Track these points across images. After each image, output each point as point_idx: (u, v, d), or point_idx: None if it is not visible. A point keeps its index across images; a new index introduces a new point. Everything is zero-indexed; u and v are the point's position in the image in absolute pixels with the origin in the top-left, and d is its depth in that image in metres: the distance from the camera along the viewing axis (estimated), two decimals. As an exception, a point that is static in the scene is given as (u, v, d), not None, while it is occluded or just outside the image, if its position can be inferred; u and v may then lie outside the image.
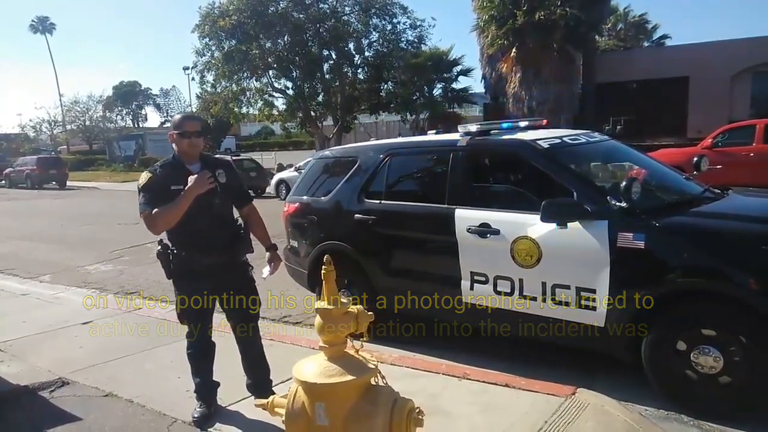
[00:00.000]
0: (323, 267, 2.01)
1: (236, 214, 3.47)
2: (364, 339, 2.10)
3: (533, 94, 18.58)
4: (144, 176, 3.14)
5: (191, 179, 2.97)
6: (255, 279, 3.40)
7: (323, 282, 2.01)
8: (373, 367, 2.00)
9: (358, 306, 2.08)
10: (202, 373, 3.39)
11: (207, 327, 3.36)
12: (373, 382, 2.01)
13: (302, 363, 2.04)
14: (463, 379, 3.72)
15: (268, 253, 3.44)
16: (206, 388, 3.39)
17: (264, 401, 2.12)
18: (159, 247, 3.22)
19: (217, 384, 3.45)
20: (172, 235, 3.21)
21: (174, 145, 3.20)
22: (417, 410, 1.95)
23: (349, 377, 1.90)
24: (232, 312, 3.36)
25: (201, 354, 3.37)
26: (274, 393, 3.17)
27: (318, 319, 2.02)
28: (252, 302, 3.38)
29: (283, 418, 2.02)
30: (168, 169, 3.18)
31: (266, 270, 3.40)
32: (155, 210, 3.01)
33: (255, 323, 3.43)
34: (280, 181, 19.30)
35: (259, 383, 3.45)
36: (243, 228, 3.40)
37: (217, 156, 3.72)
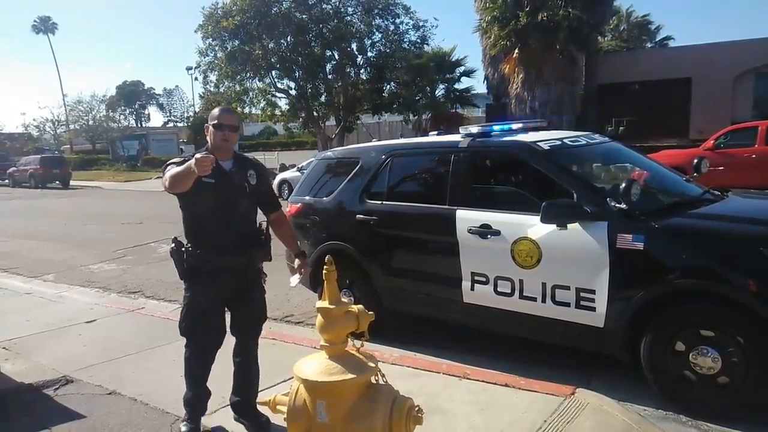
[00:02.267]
0: (324, 267, 2.04)
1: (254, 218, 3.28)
2: (365, 338, 2.13)
3: (535, 94, 18.60)
4: (176, 158, 3.02)
5: (197, 155, 2.68)
6: (266, 290, 3.28)
7: (324, 282, 2.04)
8: (373, 365, 2.03)
9: (359, 305, 2.11)
10: (198, 385, 3.19)
11: (216, 334, 3.15)
12: (373, 381, 2.04)
13: (304, 361, 2.07)
14: (463, 379, 3.74)
15: (297, 260, 3.24)
16: (197, 405, 3.20)
17: (267, 399, 2.15)
18: (172, 245, 3.08)
19: (209, 396, 3.27)
20: (191, 231, 3.08)
21: (208, 137, 3.09)
22: (416, 408, 1.98)
23: (350, 376, 1.93)
24: (238, 320, 3.20)
25: (203, 362, 3.17)
26: (258, 414, 3.14)
27: (319, 318, 2.05)
28: (260, 312, 3.25)
29: (285, 416, 2.06)
30: None
31: (295, 278, 3.22)
32: (173, 168, 2.86)
33: (258, 334, 3.28)
34: (283, 181, 19.34)
35: (244, 401, 3.26)
36: (264, 234, 3.24)
37: (250, 156, 3.58)
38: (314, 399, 1.95)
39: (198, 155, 2.65)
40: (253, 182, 3.14)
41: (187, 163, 2.70)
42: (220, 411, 3.41)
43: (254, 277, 3.20)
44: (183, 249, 3.05)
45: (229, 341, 3.30)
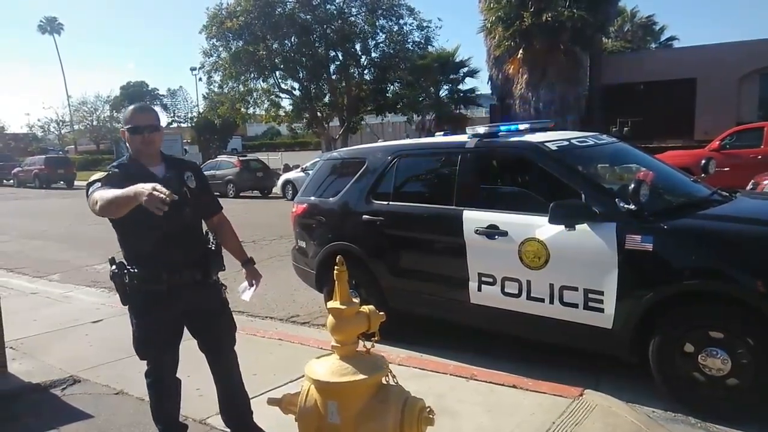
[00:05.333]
0: (336, 267, 2.03)
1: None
2: (376, 339, 2.12)
3: (540, 95, 18.61)
4: (98, 174, 2.62)
5: (146, 186, 2.18)
6: (228, 300, 2.96)
7: (335, 282, 2.03)
8: (384, 366, 2.03)
9: (370, 306, 2.11)
10: (165, 419, 2.94)
11: (172, 361, 2.89)
12: (383, 382, 2.04)
13: (315, 362, 2.07)
14: (470, 380, 3.74)
15: (245, 270, 2.98)
16: None
17: (277, 398, 2.15)
18: (113, 267, 2.68)
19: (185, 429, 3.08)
20: (131, 250, 2.71)
21: (127, 144, 2.70)
22: (428, 409, 1.98)
23: (361, 376, 1.92)
24: (204, 340, 2.91)
25: (165, 394, 2.91)
26: (255, 427, 2.99)
27: (330, 319, 2.04)
28: (227, 327, 2.94)
29: (296, 416, 2.06)
30: (126, 172, 2.61)
31: (244, 288, 2.98)
32: (98, 191, 2.45)
33: (231, 351, 2.98)
34: (287, 182, 19.41)
35: (237, 417, 3.03)
36: (214, 241, 2.91)
37: (178, 156, 3.28)
38: (325, 399, 1.95)
39: (155, 192, 2.12)
40: (192, 185, 2.78)
41: (132, 192, 2.21)
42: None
43: (212, 290, 2.86)
44: (126, 271, 2.66)
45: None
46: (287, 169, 23.61)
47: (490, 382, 3.67)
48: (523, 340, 4.08)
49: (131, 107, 2.77)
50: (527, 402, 3.39)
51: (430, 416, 1.97)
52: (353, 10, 24.90)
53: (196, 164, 3.11)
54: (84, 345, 4.87)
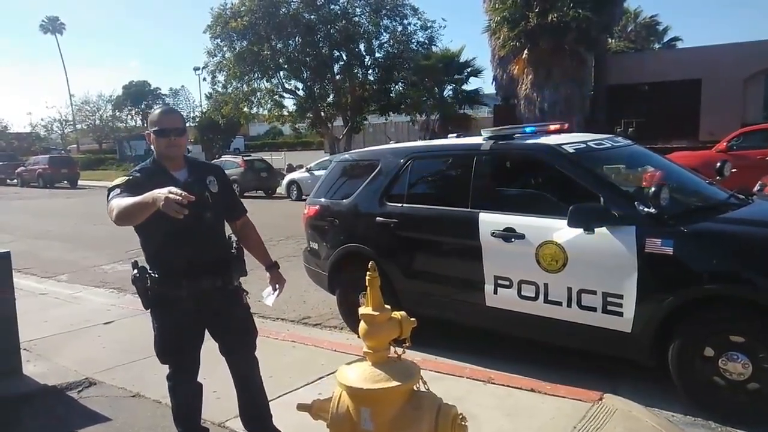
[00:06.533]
0: (368, 273, 2.02)
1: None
2: (407, 345, 2.12)
3: (544, 96, 18.55)
4: (119, 179, 2.60)
5: (162, 191, 2.17)
6: (250, 306, 2.95)
7: (368, 288, 2.02)
8: (416, 372, 2.02)
9: (402, 312, 2.10)
10: (186, 422, 2.93)
11: (193, 364, 2.86)
12: (415, 388, 2.03)
13: (346, 368, 2.06)
14: (487, 383, 3.73)
15: (269, 274, 2.96)
16: None
17: (307, 404, 2.14)
18: (135, 272, 2.69)
19: None
20: (152, 255, 2.70)
21: (152, 146, 2.70)
22: (461, 416, 1.97)
23: (395, 383, 1.91)
24: (224, 343, 2.88)
25: (186, 397, 2.91)
26: (275, 430, 2.97)
27: (362, 325, 2.03)
28: (247, 333, 2.91)
29: (327, 423, 2.05)
30: (148, 175, 2.61)
31: (269, 293, 2.95)
32: (116, 198, 2.44)
33: (252, 356, 2.96)
34: (291, 182, 19.42)
35: (257, 421, 3.00)
36: (236, 246, 2.88)
37: (202, 161, 3.22)
38: (358, 406, 1.94)
39: (171, 195, 2.11)
40: (215, 190, 2.75)
41: (150, 198, 2.20)
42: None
43: (233, 296, 2.83)
44: (147, 275, 2.66)
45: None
46: (291, 169, 23.64)
47: (508, 386, 3.66)
48: (540, 343, 4.06)
49: (158, 110, 2.76)
50: (546, 406, 3.38)
51: (464, 423, 1.96)
52: (357, 10, 24.95)
53: (219, 168, 3.06)
54: (97, 346, 4.86)
